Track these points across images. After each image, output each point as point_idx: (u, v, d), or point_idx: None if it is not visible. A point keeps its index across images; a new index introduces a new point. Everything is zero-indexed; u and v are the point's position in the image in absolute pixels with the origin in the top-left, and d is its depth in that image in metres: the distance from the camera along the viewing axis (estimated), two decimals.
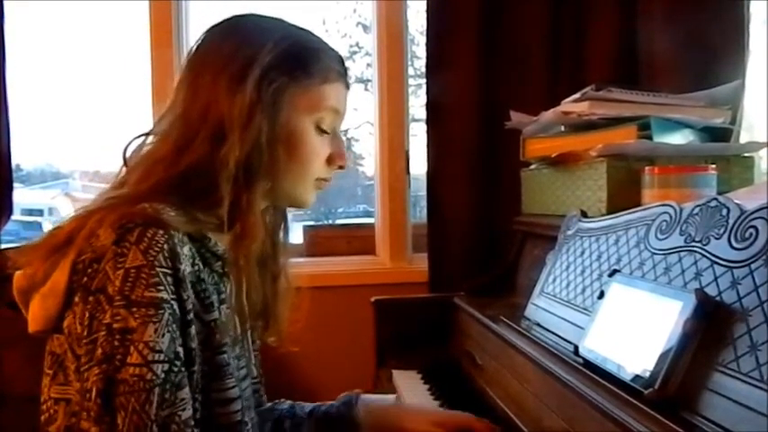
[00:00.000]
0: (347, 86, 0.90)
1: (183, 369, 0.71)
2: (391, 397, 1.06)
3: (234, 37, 0.84)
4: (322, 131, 0.87)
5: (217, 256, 0.82)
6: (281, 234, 0.97)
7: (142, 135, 0.85)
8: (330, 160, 0.89)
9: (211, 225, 0.80)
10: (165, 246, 0.70)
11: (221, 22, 0.87)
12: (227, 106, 0.78)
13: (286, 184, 0.86)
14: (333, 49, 0.89)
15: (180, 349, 0.71)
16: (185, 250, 0.74)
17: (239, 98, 0.78)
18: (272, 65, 0.81)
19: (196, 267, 0.76)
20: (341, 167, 0.91)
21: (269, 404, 1.06)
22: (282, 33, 0.84)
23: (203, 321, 0.77)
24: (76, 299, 0.71)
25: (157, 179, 0.78)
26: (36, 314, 0.75)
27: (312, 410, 1.04)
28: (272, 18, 0.88)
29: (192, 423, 0.71)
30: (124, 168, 0.84)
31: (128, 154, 0.85)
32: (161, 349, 0.68)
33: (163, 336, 0.68)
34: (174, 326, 0.70)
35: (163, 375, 0.68)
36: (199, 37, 0.86)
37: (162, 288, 0.69)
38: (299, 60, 0.83)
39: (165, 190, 0.77)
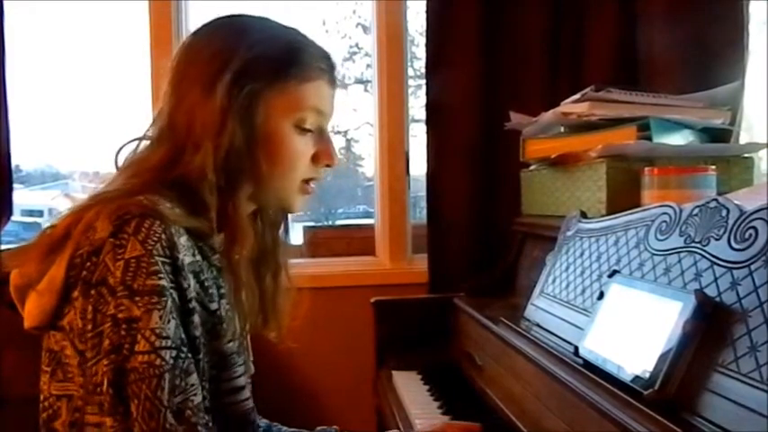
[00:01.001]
0: (332, 83, 0.89)
1: (189, 355, 0.71)
2: None
3: (212, 41, 0.83)
4: (304, 131, 0.86)
5: (215, 250, 0.82)
6: (282, 230, 0.97)
7: (134, 140, 0.85)
8: (316, 159, 0.88)
9: (204, 226, 0.80)
10: (163, 235, 0.71)
11: (204, 25, 0.86)
12: (201, 115, 0.79)
13: (271, 187, 0.85)
14: (317, 47, 0.87)
15: (184, 336, 0.71)
16: (182, 240, 0.74)
17: (210, 105, 0.78)
18: (245, 70, 0.80)
19: (198, 258, 0.77)
20: (328, 165, 0.90)
21: None
22: (259, 36, 0.84)
23: (208, 310, 0.77)
24: (76, 293, 0.71)
25: (146, 180, 0.78)
26: (32, 310, 0.75)
27: None
28: (257, 18, 0.87)
29: (203, 408, 0.72)
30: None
31: (120, 158, 0.85)
32: (168, 335, 0.69)
33: (168, 322, 0.69)
34: (176, 313, 0.71)
35: (171, 361, 0.68)
36: (184, 40, 0.87)
37: (162, 276, 0.70)
38: (275, 63, 0.83)
39: (158, 185, 0.78)
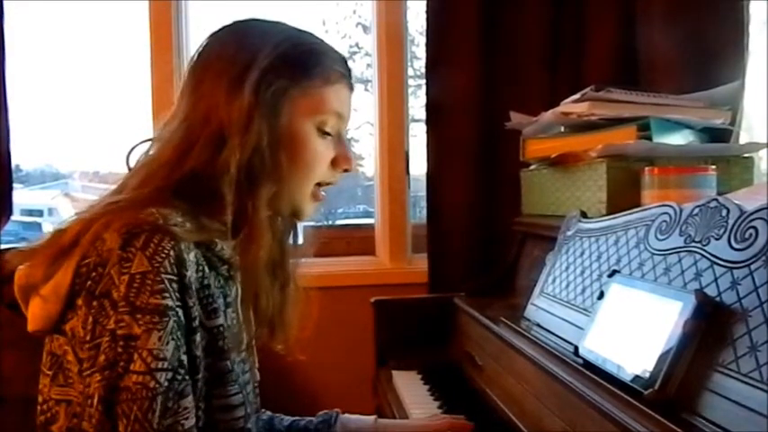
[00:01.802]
0: (350, 88, 0.90)
1: (186, 377, 0.70)
2: (370, 418, 1.05)
3: (233, 41, 0.83)
4: (325, 134, 0.86)
5: (223, 260, 0.81)
6: (290, 241, 0.96)
7: (145, 141, 0.84)
8: (335, 163, 0.88)
9: (217, 231, 0.79)
10: (172, 252, 0.70)
11: (222, 28, 0.86)
12: (226, 111, 0.78)
13: (288, 189, 0.85)
14: (335, 51, 0.88)
15: (184, 357, 0.70)
16: (191, 256, 0.73)
17: (238, 102, 0.78)
18: (271, 68, 0.80)
19: (200, 273, 0.76)
20: (346, 170, 0.90)
21: None
22: (282, 36, 0.84)
23: (206, 328, 0.76)
24: (80, 302, 0.70)
25: (159, 184, 0.77)
26: (36, 314, 0.75)
27: (290, 425, 1.03)
28: (273, 22, 0.88)
29: (195, 431, 0.71)
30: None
31: (131, 160, 0.84)
32: (165, 357, 0.68)
33: (167, 343, 0.68)
34: (179, 333, 0.70)
35: (166, 384, 0.67)
36: (200, 44, 0.86)
37: (167, 295, 0.69)
38: (298, 62, 0.83)
39: (168, 194, 0.77)
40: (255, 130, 0.78)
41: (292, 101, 0.82)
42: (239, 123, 0.78)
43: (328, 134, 0.87)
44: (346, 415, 1.04)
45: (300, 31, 0.88)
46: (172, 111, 0.84)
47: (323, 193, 0.90)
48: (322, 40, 0.88)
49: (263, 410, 1.04)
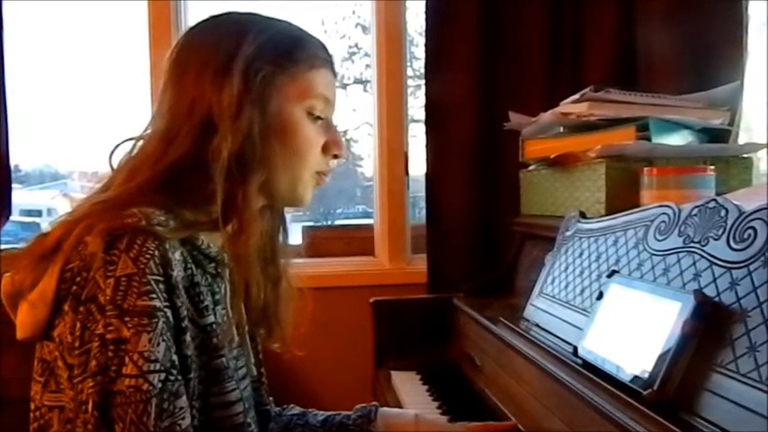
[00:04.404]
0: (334, 73, 0.89)
1: (179, 378, 0.69)
2: (411, 413, 1.03)
3: (214, 33, 0.83)
4: (315, 118, 0.85)
5: (209, 258, 0.81)
6: (281, 237, 0.96)
7: (128, 140, 0.83)
8: (326, 149, 0.87)
9: (203, 225, 0.78)
10: (156, 252, 0.69)
11: (199, 23, 0.86)
12: (215, 99, 0.77)
13: (283, 177, 0.84)
14: (315, 37, 0.88)
15: (176, 357, 0.70)
16: (177, 255, 0.72)
17: (227, 90, 0.77)
18: (256, 55, 0.80)
19: (189, 271, 0.75)
20: (337, 156, 0.89)
21: (277, 408, 1.05)
22: (262, 25, 0.84)
23: (199, 326, 0.76)
24: (66, 307, 0.69)
25: (143, 178, 0.77)
26: (24, 321, 0.74)
27: (326, 419, 1.03)
28: (249, 13, 0.87)
29: (192, 431, 0.70)
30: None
31: (114, 158, 0.83)
32: (156, 359, 0.67)
33: (158, 345, 0.67)
34: (169, 334, 0.69)
35: (159, 385, 0.67)
36: (178, 39, 0.85)
37: (154, 296, 0.68)
38: (282, 48, 0.82)
39: (151, 189, 0.76)
40: (246, 117, 0.78)
41: (280, 86, 0.82)
42: (230, 111, 0.77)
43: (318, 119, 0.86)
44: (385, 408, 1.03)
45: (278, 20, 0.87)
46: (154, 107, 0.84)
47: (323, 177, 0.90)
48: (300, 27, 0.88)
49: (292, 405, 1.04)
